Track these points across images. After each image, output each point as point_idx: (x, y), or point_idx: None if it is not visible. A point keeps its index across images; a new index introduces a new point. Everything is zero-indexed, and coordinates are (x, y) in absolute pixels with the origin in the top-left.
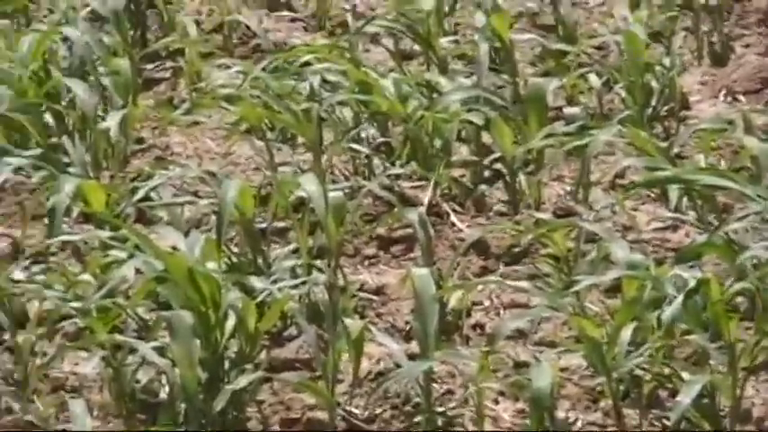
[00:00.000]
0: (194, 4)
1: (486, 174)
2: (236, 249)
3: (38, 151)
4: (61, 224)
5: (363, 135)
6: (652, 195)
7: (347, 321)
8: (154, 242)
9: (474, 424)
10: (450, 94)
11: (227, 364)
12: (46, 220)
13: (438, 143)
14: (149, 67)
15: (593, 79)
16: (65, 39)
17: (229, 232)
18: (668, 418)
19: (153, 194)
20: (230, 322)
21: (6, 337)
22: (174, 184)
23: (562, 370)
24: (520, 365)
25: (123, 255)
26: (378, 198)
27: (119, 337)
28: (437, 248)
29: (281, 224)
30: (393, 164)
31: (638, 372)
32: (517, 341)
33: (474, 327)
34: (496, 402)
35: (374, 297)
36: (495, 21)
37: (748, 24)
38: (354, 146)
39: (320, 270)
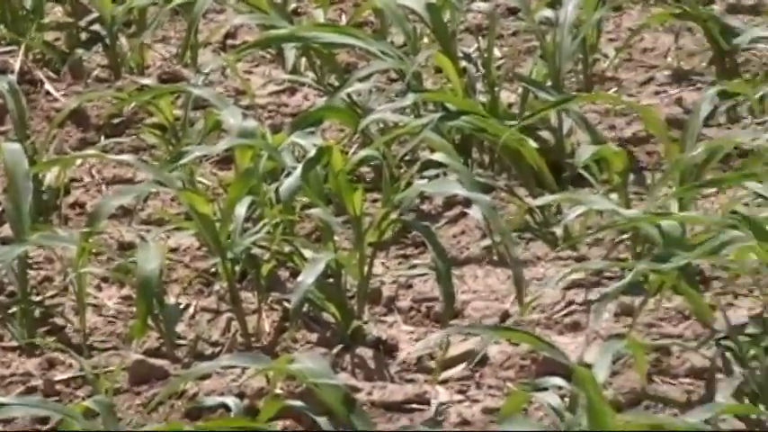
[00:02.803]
0: None
1: (84, 36)
2: None
3: None
4: None
5: None
6: (267, 56)
7: None
8: None
9: (75, 313)
10: None
11: None
12: None
13: (29, 3)
14: None
15: None
16: None
17: None
18: (289, 301)
19: None
20: None
21: None
22: None
23: (171, 251)
24: (125, 247)
25: None
26: None
27: None
28: (30, 120)
29: None
30: None
31: (256, 250)
32: (121, 220)
33: (73, 205)
34: (99, 289)
35: None
36: None
37: None
38: None
39: None
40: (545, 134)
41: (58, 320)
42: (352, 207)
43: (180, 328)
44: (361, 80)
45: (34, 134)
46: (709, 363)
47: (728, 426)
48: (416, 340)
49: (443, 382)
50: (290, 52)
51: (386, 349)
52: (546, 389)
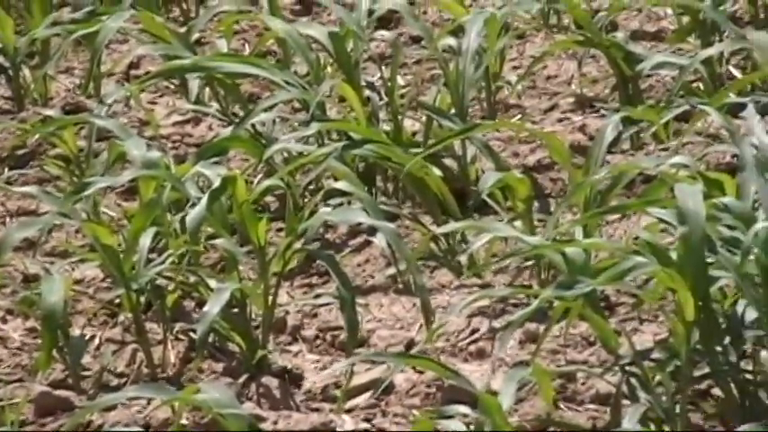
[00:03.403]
0: None
1: None
2: None
3: None
4: None
5: None
6: (170, 86)
7: None
8: None
9: None
10: None
11: None
12: None
13: None
14: None
15: None
16: None
17: None
18: (195, 331)
19: None
20: None
21: None
22: None
23: (76, 282)
24: (29, 279)
25: None
26: None
27: None
28: None
29: None
30: None
31: (161, 281)
32: (26, 252)
33: None
34: (4, 321)
35: None
36: None
37: None
38: None
39: None
40: (449, 162)
41: None
42: (256, 237)
43: (85, 359)
44: (265, 110)
45: None
46: (615, 389)
47: None
48: (322, 369)
49: (349, 410)
50: (194, 82)
51: (291, 378)
52: (451, 416)
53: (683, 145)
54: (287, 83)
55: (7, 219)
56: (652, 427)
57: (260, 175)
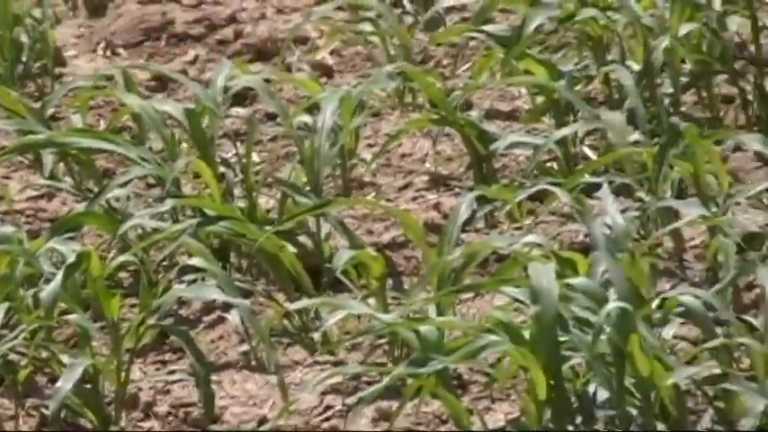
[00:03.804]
0: None
1: None
2: None
3: None
4: None
5: None
6: (25, 161)
7: None
8: None
9: None
10: None
11: None
12: None
13: None
14: None
15: None
16: None
17: None
18: (47, 407)
19: None
20: None
21: None
22: None
23: None
24: None
25: None
26: None
27: None
28: None
29: None
30: None
31: (13, 356)
32: None
33: None
34: None
35: None
36: None
37: None
38: None
39: None
40: (303, 239)
41: None
42: (109, 312)
43: None
44: (119, 186)
45: None
46: None
47: None
48: None
49: None
50: (48, 157)
51: None
52: None
53: (536, 224)
54: (142, 158)
55: None
56: None
57: (114, 251)
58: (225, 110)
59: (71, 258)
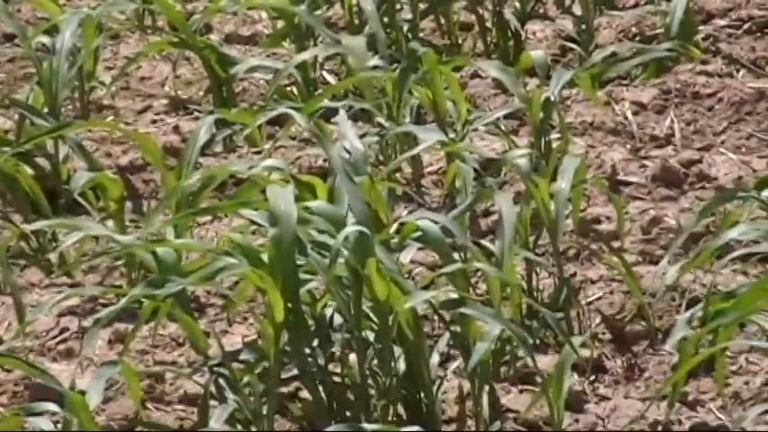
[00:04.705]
0: None
1: None
2: None
3: None
4: None
5: None
6: None
7: None
8: None
9: None
10: None
11: None
12: None
13: None
14: None
15: None
16: None
17: None
18: None
19: None
20: None
21: None
22: None
23: None
24: None
25: None
26: None
27: None
28: None
29: None
30: None
31: None
32: None
33: None
34: None
35: None
36: None
37: None
38: None
39: None
40: (41, 161)
41: None
42: None
43: None
44: None
45: None
46: (203, 389)
47: None
48: None
49: None
50: None
51: None
52: (40, 414)
53: (276, 149)
54: None
55: None
56: (239, 427)
57: None
58: None
59: None
